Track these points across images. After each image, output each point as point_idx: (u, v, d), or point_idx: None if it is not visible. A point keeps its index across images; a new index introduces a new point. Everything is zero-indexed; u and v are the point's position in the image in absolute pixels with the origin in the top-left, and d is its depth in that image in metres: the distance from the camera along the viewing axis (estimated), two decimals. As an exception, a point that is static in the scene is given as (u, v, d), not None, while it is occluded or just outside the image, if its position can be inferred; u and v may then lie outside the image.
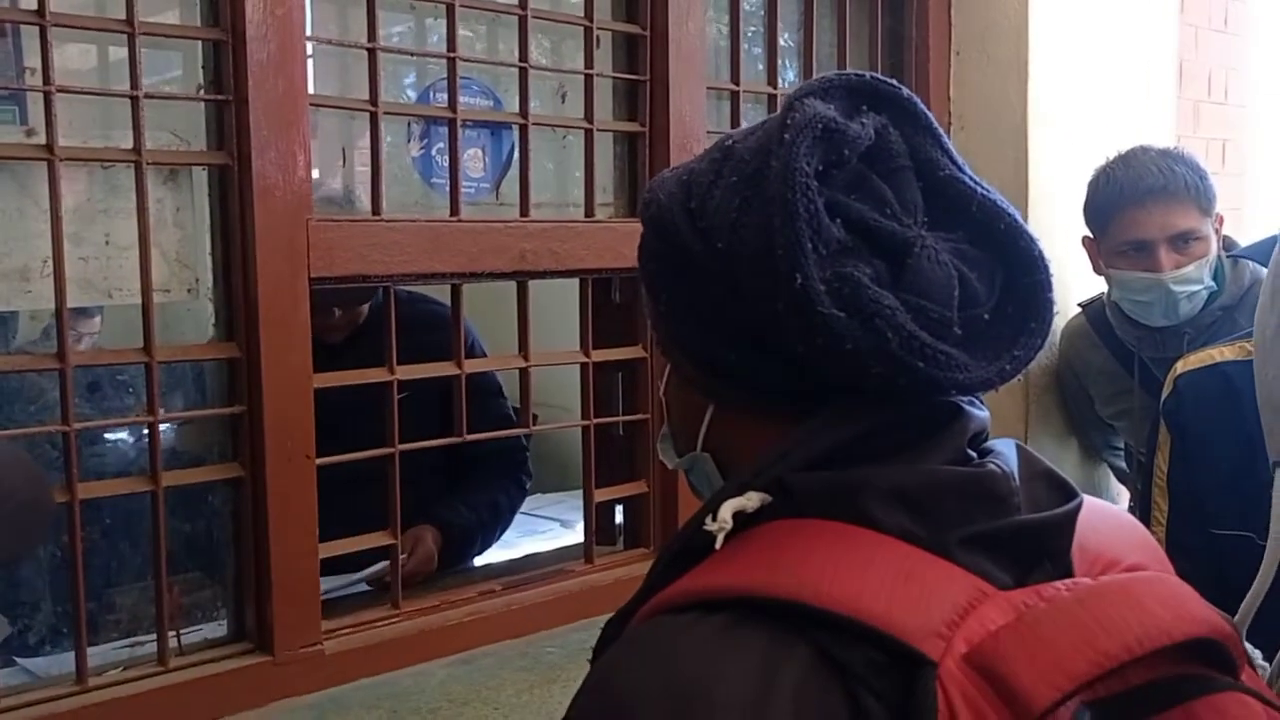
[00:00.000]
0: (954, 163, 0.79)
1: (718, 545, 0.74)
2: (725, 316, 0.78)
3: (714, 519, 0.74)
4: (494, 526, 2.20)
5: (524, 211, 1.77)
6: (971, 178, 0.79)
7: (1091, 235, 2.17)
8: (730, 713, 0.65)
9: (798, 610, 0.68)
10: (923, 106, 0.80)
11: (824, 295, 0.71)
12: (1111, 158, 2.11)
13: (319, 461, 1.53)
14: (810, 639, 0.67)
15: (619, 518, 2.07)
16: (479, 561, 2.20)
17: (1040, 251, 0.79)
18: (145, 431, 1.45)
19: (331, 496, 1.59)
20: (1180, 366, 1.87)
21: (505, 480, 2.22)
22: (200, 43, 1.46)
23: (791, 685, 0.66)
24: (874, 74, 0.80)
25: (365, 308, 2.06)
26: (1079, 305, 2.37)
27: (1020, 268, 0.78)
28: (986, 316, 0.76)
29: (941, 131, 0.80)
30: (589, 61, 1.84)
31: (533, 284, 1.81)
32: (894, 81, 0.80)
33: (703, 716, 0.65)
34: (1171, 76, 2.74)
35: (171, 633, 1.46)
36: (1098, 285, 2.29)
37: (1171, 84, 2.74)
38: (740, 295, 0.76)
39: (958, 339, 0.74)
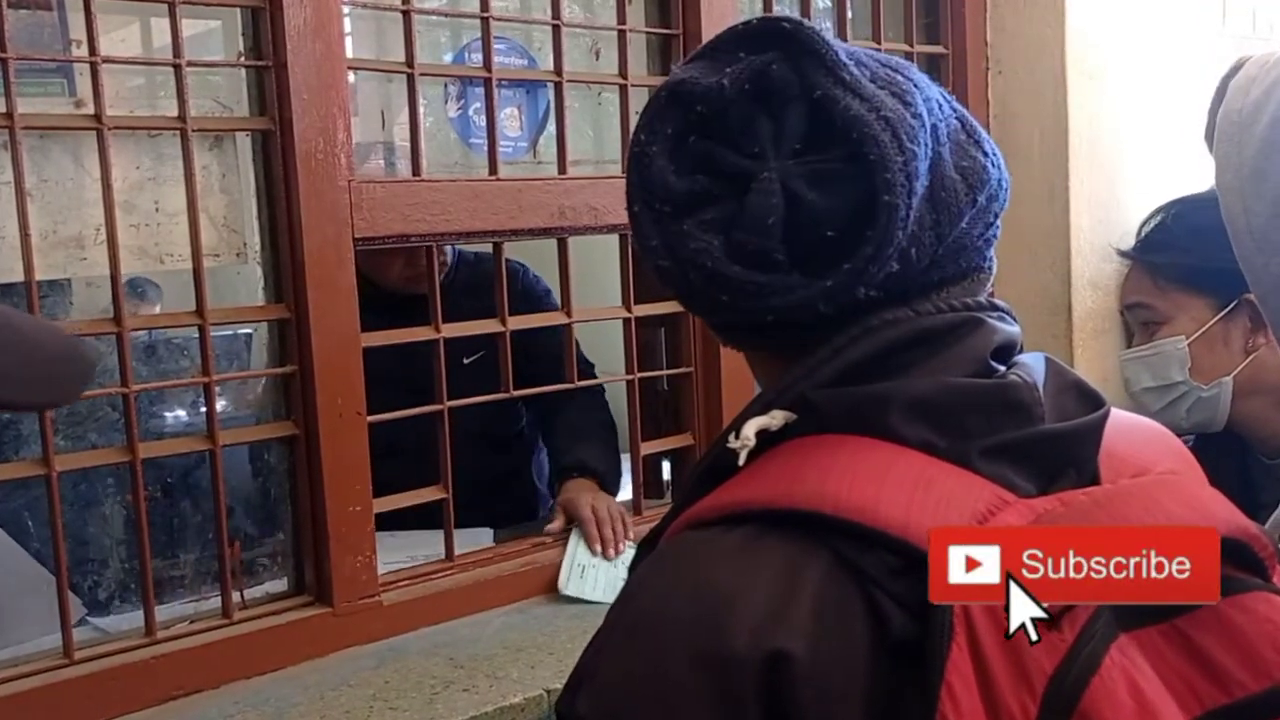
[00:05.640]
0: (835, 77, 0.76)
1: (741, 462, 0.75)
2: None
3: (738, 437, 0.76)
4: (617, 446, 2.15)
5: (562, 169, 1.79)
6: (851, 88, 0.75)
7: None
8: (753, 617, 0.67)
9: (817, 520, 0.69)
10: (812, 31, 0.78)
11: (657, 249, 0.78)
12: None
13: (376, 418, 1.57)
14: (830, 547, 0.69)
15: (666, 474, 2.10)
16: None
17: (881, 154, 0.73)
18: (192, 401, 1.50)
19: (425, 455, 1.67)
20: None
21: (598, 408, 2.15)
22: (239, 9, 1.49)
23: (811, 591, 0.68)
24: (764, 15, 0.82)
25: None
26: None
27: (871, 173, 0.74)
28: (831, 234, 0.74)
29: (831, 48, 0.77)
30: (621, 17, 1.85)
31: (572, 249, 1.83)
32: (781, 17, 0.79)
33: (726, 622, 0.68)
34: (1215, 12, 2.69)
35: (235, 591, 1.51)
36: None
37: (1215, 20, 2.70)
38: None
39: (786, 264, 0.75)
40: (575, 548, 1.79)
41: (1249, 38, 2.99)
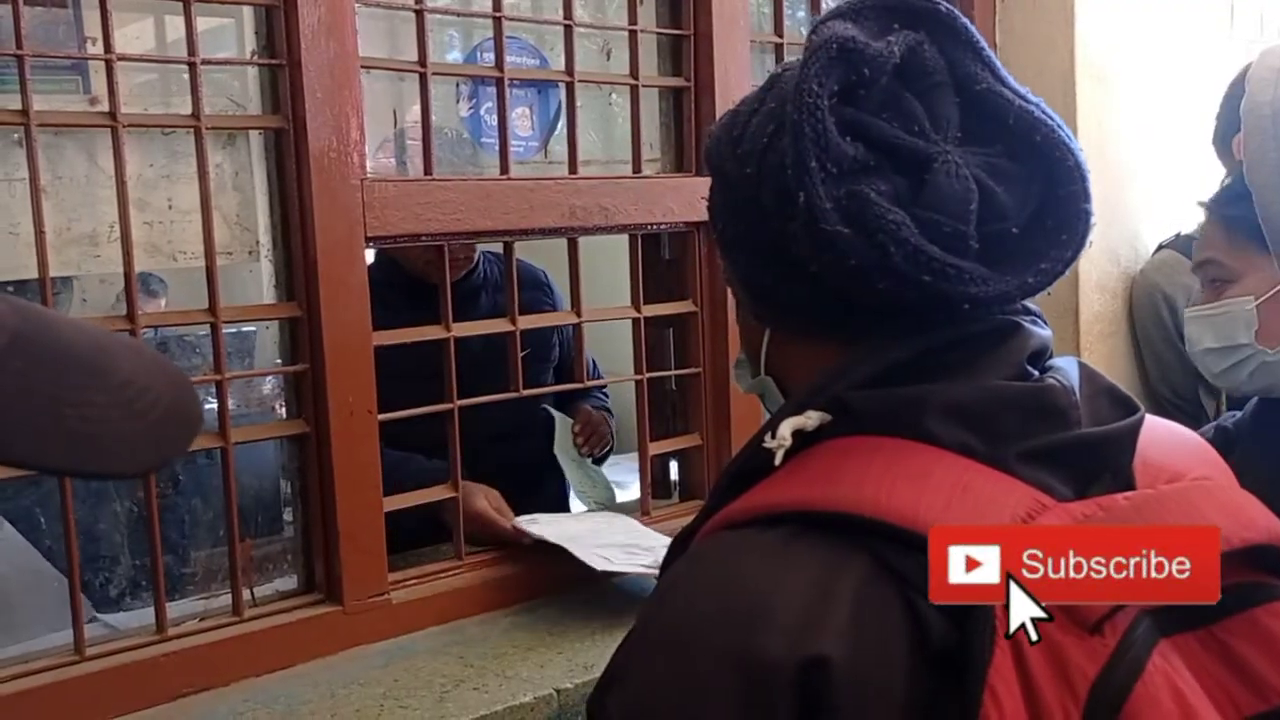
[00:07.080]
0: (994, 75, 0.78)
1: (777, 462, 0.75)
2: (759, 239, 0.80)
3: (773, 437, 0.75)
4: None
5: (572, 169, 1.79)
6: (1014, 90, 0.78)
7: None
8: (790, 621, 0.67)
9: (855, 522, 0.69)
10: (964, 20, 0.79)
11: (830, 212, 0.73)
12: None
13: (386, 416, 1.57)
14: (869, 550, 0.68)
15: (674, 474, 2.10)
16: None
17: (1077, 162, 0.77)
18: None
19: (487, 446, 1.72)
20: None
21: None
22: (252, 7, 1.49)
23: (850, 594, 0.67)
24: None
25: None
26: (1160, 245, 2.35)
27: (1056, 179, 0.76)
28: (1015, 230, 0.75)
29: (983, 44, 0.79)
30: (633, 17, 1.84)
31: (583, 250, 1.83)
32: None
33: (762, 625, 0.67)
34: (1223, 15, 2.70)
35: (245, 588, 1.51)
36: (1163, 231, 2.32)
37: (1223, 24, 2.70)
38: (766, 217, 0.78)
39: (975, 253, 0.74)
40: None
41: (1256, 41, 2.99)
